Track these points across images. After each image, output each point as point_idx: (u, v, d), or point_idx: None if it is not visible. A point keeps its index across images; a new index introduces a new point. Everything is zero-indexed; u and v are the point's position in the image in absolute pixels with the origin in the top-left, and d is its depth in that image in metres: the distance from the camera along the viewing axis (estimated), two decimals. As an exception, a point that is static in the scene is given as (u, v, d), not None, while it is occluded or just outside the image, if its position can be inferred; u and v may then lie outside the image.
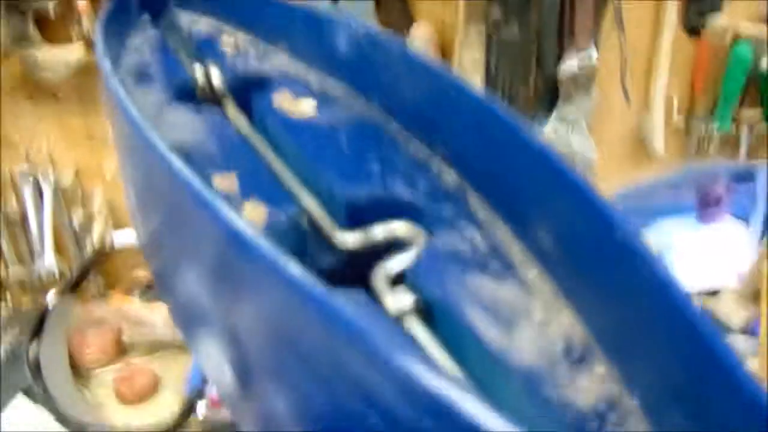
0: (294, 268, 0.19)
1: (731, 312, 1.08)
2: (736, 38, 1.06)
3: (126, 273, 1.14)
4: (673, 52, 1.06)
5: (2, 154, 1.07)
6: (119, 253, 1.13)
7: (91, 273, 1.11)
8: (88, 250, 1.12)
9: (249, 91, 0.41)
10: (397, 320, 0.25)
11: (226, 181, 0.32)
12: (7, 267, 1.14)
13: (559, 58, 0.94)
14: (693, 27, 1.06)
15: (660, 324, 0.20)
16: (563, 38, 0.93)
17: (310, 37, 0.42)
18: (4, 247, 1.12)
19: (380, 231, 0.29)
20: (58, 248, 1.13)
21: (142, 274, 1.10)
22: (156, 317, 1.02)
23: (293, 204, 0.31)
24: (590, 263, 0.24)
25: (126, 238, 1.11)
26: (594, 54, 0.94)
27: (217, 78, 0.40)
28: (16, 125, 1.06)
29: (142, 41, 0.47)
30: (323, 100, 0.39)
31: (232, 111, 0.39)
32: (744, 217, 1.16)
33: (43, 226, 1.10)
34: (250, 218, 0.29)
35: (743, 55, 1.05)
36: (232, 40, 0.46)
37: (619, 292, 0.23)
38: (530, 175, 0.27)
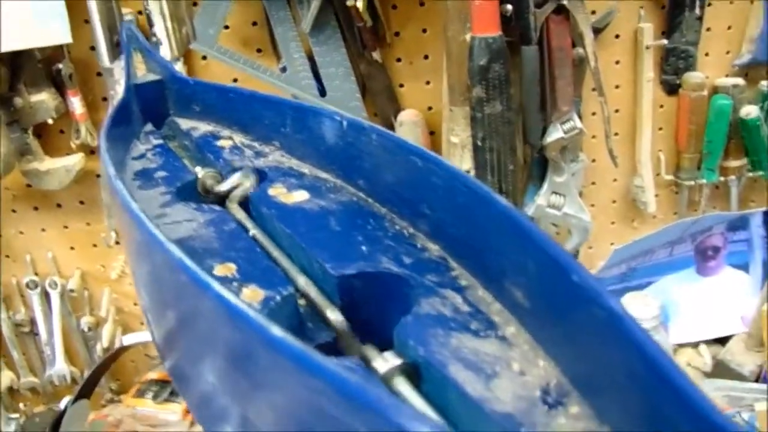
0: (297, 344, 0.20)
1: (742, 360, 1.09)
2: (715, 91, 1.09)
3: (137, 375, 1.14)
4: (655, 111, 1.09)
5: (9, 264, 1.09)
6: (129, 355, 1.14)
7: (103, 376, 1.11)
8: (99, 353, 1.13)
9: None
10: (386, 381, 0.27)
11: (226, 270, 0.34)
12: (18, 376, 1.15)
13: (545, 129, 0.97)
14: (670, 85, 1.09)
15: (620, 359, 0.22)
16: (546, 109, 0.96)
17: (300, 131, 0.44)
18: (15, 356, 1.13)
19: None
20: (69, 354, 1.14)
21: (153, 375, 1.11)
22: (170, 417, 1.03)
23: (289, 285, 0.33)
24: (558, 312, 0.26)
25: (135, 340, 1.12)
26: (577, 120, 0.97)
27: (217, 179, 0.43)
28: (22, 235, 1.09)
29: (146, 149, 0.49)
30: (315, 189, 0.41)
31: (232, 205, 0.41)
32: (743, 265, 1.17)
33: (52, 332, 1.12)
34: (248, 300, 0.31)
35: (722, 107, 1.07)
36: (229, 141, 0.49)
37: (585, 335, 0.25)
38: (500, 238, 0.30)
